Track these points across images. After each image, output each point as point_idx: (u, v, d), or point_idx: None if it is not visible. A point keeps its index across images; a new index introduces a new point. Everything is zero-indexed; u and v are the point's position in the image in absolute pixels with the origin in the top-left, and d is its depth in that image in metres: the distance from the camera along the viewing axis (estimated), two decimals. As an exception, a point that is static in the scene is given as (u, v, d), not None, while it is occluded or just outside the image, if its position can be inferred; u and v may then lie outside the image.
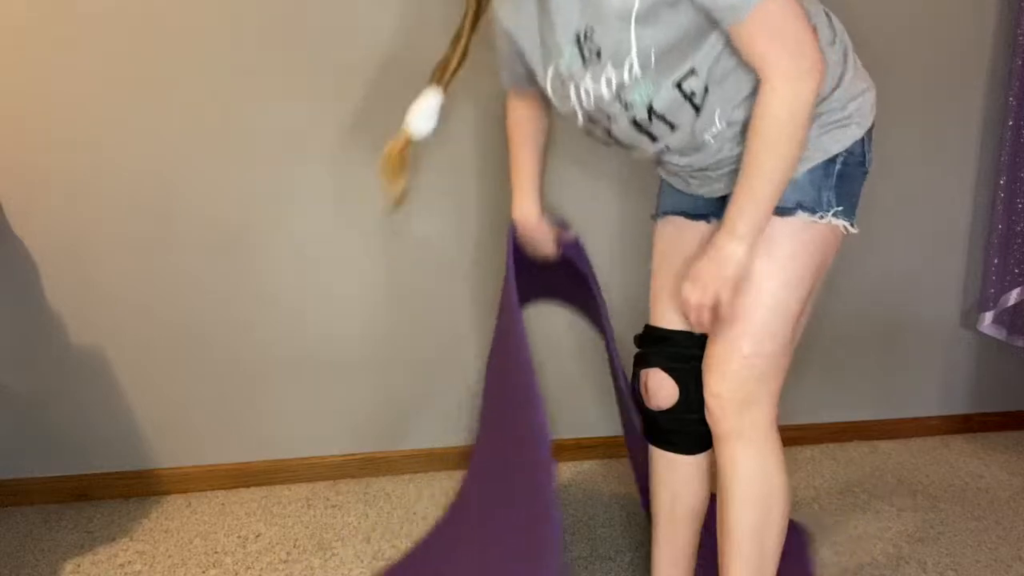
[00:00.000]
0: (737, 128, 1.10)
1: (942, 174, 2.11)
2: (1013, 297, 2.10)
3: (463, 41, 1.18)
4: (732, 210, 1.06)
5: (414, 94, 1.76)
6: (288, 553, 1.64)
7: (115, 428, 1.82)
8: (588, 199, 1.90)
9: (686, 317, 1.15)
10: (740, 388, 1.14)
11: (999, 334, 2.16)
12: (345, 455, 1.95)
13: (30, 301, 1.73)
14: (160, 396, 1.83)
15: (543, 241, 1.36)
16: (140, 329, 1.78)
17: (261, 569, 1.59)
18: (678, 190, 1.30)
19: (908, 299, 2.17)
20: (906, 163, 2.05)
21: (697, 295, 1.10)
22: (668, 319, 1.27)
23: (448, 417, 1.99)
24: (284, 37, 1.70)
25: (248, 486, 1.91)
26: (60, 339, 1.75)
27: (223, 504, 1.84)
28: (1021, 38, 1.98)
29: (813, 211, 1.11)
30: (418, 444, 1.99)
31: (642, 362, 1.30)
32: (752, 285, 1.10)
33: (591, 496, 1.89)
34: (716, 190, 1.23)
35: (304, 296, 1.84)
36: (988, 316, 2.14)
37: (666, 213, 1.33)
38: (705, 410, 1.19)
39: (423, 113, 1.21)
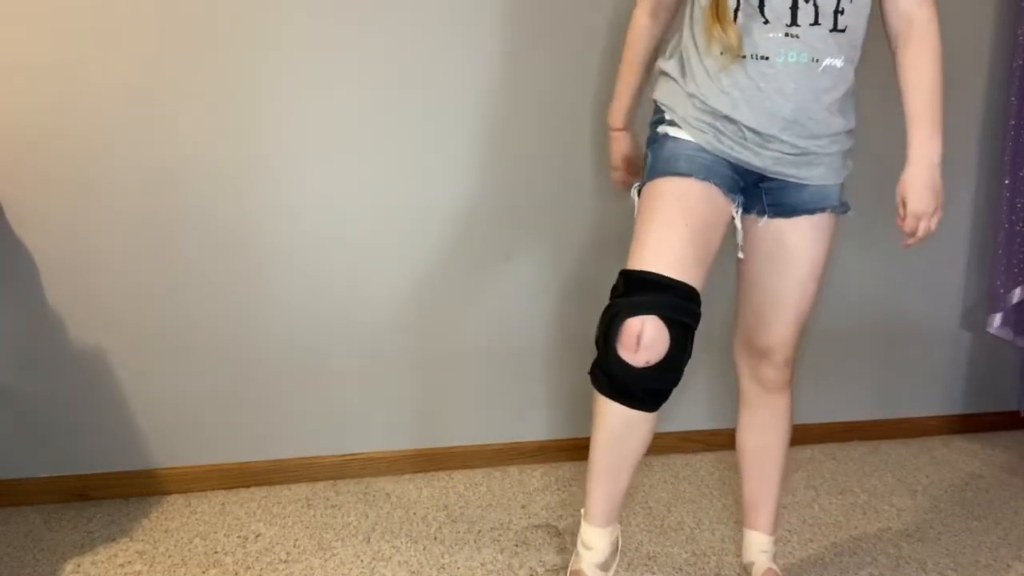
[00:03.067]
0: (842, 91, 1.26)
1: (942, 174, 2.10)
2: (1016, 295, 2.09)
3: None
4: (929, 130, 1.33)
5: (430, 100, 1.77)
6: (288, 553, 1.64)
7: (115, 428, 1.82)
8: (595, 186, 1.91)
9: (912, 228, 1.32)
10: (794, 350, 1.38)
11: (1007, 336, 2.15)
12: (345, 455, 1.95)
13: (30, 301, 1.73)
14: (160, 396, 1.83)
15: (621, 144, 1.54)
16: (140, 329, 1.78)
17: (261, 569, 1.59)
18: (717, 160, 1.26)
19: (908, 299, 2.18)
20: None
21: (931, 208, 1.33)
22: (673, 269, 1.18)
23: (448, 417, 1.99)
24: (289, 35, 1.70)
25: (248, 486, 1.91)
26: (60, 339, 1.75)
27: (223, 504, 1.84)
28: (1021, 38, 1.98)
29: (845, 211, 1.38)
30: (419, 444, 1.99)
31: (634, 310, 1.17)
32: (816, 266, 1.33)
33: (591, 496, 1.89)
34: (815, 176, 1.29)
35: (305, 296, 1.84)
36: (998, 318, 2.13)
37: (693, 176, 1.24)
38: (753, 371, 1.41)
39: None
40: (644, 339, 1.16)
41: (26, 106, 1.63)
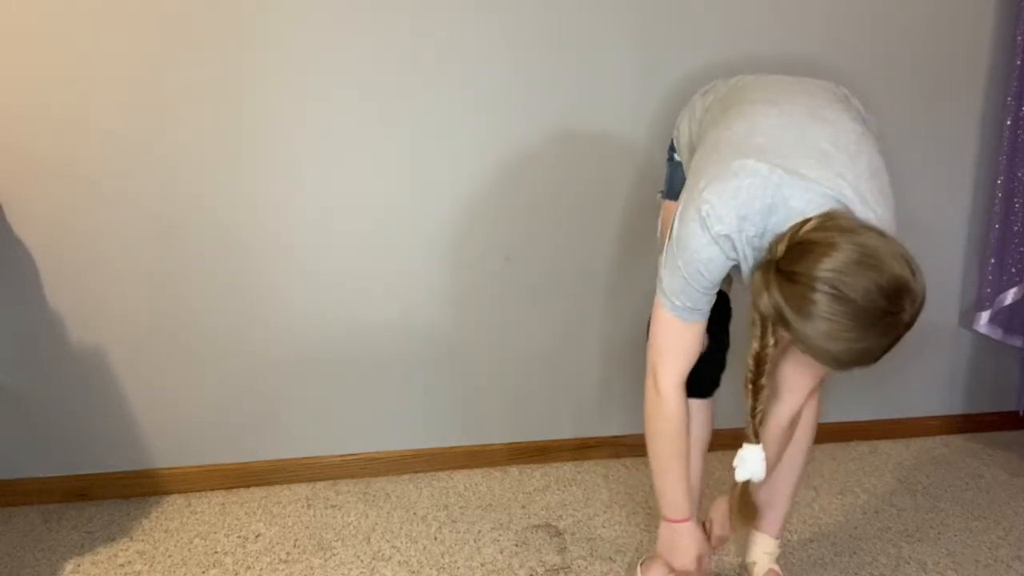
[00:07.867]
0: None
1: (941, 174, 2.11)
2: (1010, 297, 2.09)
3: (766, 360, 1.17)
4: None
5: (428, 95, 1.77)
6: (288, 553, 1.65)
7: (115, 428, 1.82)
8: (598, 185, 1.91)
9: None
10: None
11: (995, 333, 2.15)
12: (345, 455, 1.95)
13: (30, 301, 1.73)
14: (160, 396, 1.83)
15: (693, 537, 1.35)
16: (140, 329, 1.78)
17: (261, 569, 1.59)
18: None
19: (908, 299, 2.17)
20: (905, 163, 2.05)
21: None
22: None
23: (449, 417, 1.99)
24: (290, 37, 1.70)
25: (248, 486, 1.91)
26: (60, 339, 1.76)
27: (223, 504, 1.84)
28: (1020, 38, 1.98)
29: None
30: (418, 444, 1.99)
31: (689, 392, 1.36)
32: None
33: (591, 496, 1.89)
34: None
35: (305, 297, 1.84)
36: (984, 316, 2.13)
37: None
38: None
39: (754, 464, 1.23)
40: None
41: (27, 107, 1.63)
